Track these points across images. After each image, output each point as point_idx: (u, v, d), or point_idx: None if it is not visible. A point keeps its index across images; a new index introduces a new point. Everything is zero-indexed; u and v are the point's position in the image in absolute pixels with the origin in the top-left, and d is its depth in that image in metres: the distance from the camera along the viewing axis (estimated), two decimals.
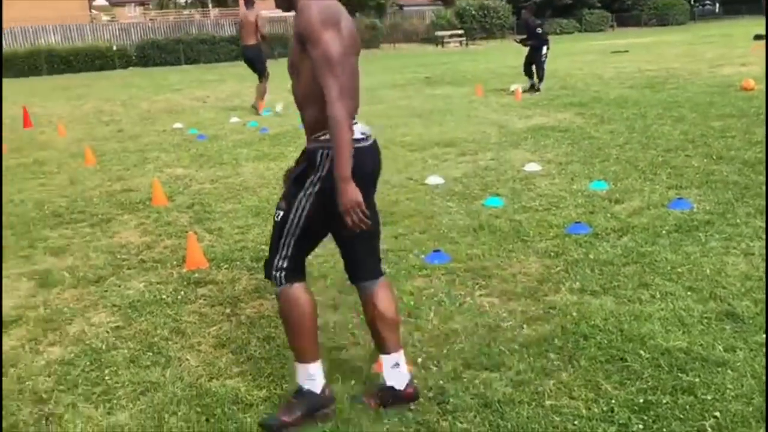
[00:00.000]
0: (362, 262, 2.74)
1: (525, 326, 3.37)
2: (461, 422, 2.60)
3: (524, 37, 13.40)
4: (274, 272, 2.62)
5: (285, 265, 2.60)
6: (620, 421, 2.53)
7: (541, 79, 12.87)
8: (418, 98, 13.41)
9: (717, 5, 66.83)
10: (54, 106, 15.65)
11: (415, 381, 2.90)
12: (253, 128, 10.54)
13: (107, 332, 3.56)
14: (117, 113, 13.86)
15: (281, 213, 2.60)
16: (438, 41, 39.61)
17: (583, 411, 2.62)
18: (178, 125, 11.34)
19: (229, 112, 12.77)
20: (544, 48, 12.84)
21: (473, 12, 42.39)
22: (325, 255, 4.53)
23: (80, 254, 4.87)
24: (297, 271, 2.64)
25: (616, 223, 4.83)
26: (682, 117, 8.96)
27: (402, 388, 2.71)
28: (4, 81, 26.47)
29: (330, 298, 3.86)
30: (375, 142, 2.66)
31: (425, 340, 3.30)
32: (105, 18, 49.28)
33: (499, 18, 42.42)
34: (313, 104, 2.48)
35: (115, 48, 32.28)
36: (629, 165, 6.53)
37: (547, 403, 2.69)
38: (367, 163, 2.56)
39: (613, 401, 2.66)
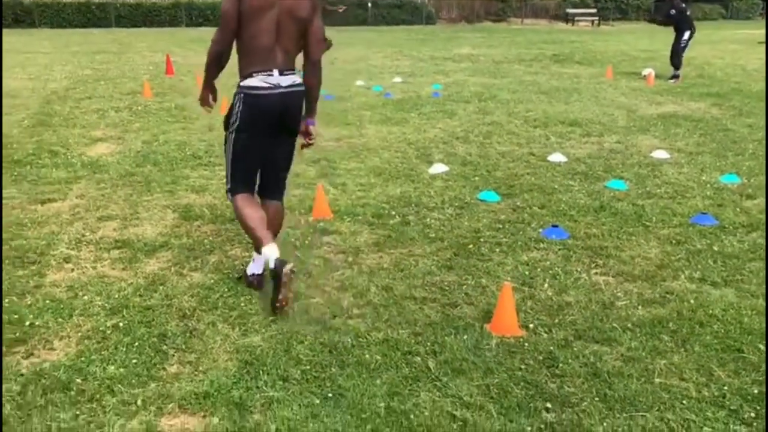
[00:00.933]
0: (270, 185, 3.62)
1: (640, 307, 3.39)
2: (569, 386, 2.70)
3: (663, 19, 12.79)
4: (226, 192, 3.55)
5: (229, 185, 3.50)
6: (731, 407, 2.55)
7: (676, 66, 12.26)
8: (544, 75, 13.18)
9: None
10: (193, 57, 16.56)
11: (525, 344, 3.02)
12: (377, 92, 10.78)
13: (242, 265, 3.89)
14: None
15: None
16: (568, 19, 38.30)
17: (693, 393, 2.65)
18: None
19: (356, 75, 13.06)
20: (687, 33, 12.19)
21: None
22: (443, 220, 4.69)
23: (218, 194, 5.27)
24: (240, 188, 3.48)
25: (745, 218, 4.68)
26: None
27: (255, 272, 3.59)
28: (149, 30, 28.15)
29: (446, 259, 4.02)
30: (281, 94, 3.35)
31: (538, 308, 3.40)
32: None
33: None
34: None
35: None
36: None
37: (657, 380, 2.74)
38: (261, 106, 3.35)
39: (726, 388, 2.67)
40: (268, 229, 3.44)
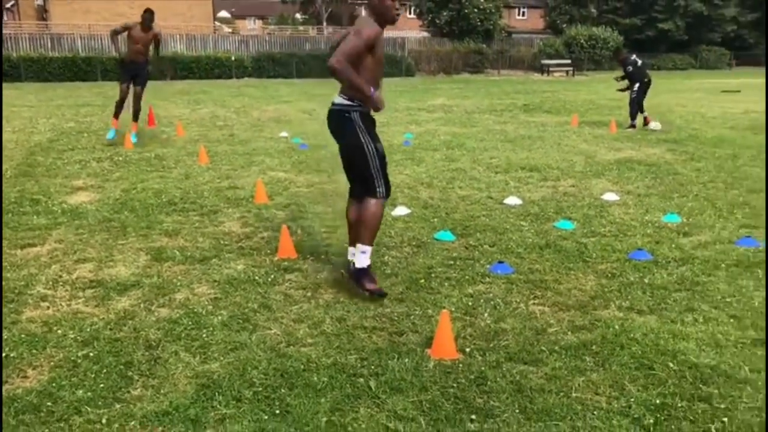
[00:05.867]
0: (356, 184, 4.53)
1: (569, 333, 3.72)
2: (494, 401, 3.01)
3: (621, 74, 13.44)
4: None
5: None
6: (634, 416, 2.86)
7: (632, 116, 12.80)
8: (512, 124, 13.73)
9: None
10: (175, 109, 17.05)
11: (460, 365, 3.33)
12: None
13: (207, 301, 4.19)
14: (230, 119, 14.96)
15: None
16: (544, 69, 39.54)
17: (604, 405, 2.96)
18: (283, 134, 12.19)
19: None
20: (637, 84, 12.77)
21: (582, 42, 42.09)
22: (400, 258, 5.03)
23: (190, 237, 5.59)
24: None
25: (678, 253, 5.06)
26: None
27: (363, 265, 4.25)
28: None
29: (398, 292, 4.34)
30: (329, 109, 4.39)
31: (476, 335, 3.71)
32: (227, 29, 52.18)
33: (608, 49, 41.83)
34: None
35: (233, 58, 34.25)
36: (707, 202, 6.66)
37: (574, 395, 3.05)
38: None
39: (633, 400, 2.99)
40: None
